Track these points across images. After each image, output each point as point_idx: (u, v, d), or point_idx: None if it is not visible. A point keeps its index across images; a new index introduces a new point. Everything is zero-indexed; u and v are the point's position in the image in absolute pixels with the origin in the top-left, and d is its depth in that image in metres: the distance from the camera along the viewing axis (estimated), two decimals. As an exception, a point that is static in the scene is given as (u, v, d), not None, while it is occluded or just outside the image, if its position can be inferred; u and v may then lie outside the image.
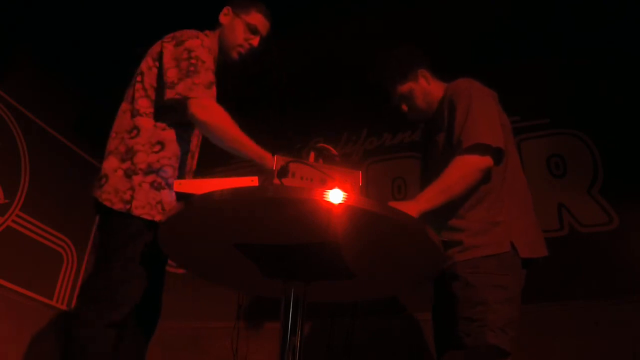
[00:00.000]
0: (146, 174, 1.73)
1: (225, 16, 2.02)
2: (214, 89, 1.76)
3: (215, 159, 3.48)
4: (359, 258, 1.45)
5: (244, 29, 1.98)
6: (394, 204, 1.54)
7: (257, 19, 2.00)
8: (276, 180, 1.33)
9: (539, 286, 2.10)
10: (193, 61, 1.76)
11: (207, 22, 2.57)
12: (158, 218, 1.69)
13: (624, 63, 2.86)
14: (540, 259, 1.72)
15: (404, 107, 1.99)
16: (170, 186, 1.72)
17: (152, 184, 1.72)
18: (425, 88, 1.96)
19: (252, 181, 1.37)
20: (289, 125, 3.59)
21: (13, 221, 3.00)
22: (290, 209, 1.23)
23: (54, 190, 3.30)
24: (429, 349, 2.49)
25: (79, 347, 1.59)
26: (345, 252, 1.40)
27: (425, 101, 1.96)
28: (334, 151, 1.60)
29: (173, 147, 1.80)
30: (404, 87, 1.96)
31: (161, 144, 1.78)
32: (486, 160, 1.69)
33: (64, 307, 3.25)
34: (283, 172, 1.34)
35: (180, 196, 1.33)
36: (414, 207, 1.59)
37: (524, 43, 3.01)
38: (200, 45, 1.81)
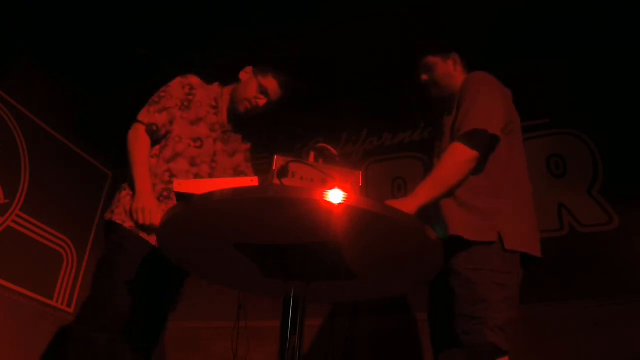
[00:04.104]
0: (131, 189, 1.94)
1: (245, 74, 2.19)
2: (164, 114, 2.01)
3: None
4: (360, 258, 1.45)
5: (256, 88, 2.13)
6: (391, 202, 1.55)
7: (271, 84, 2.14)
8: (276, 180, 1.33)
9: (539, 286, 2.10)
10: (162, 94, 2.05)
11: (207, 20, 2.57)
12: (127, 224, 1.86)
13: (624, 63, 2.87)
14: (535, 258, 1.71)
15: (425, 77, 2.03)
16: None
17: (133, 196, 1.90)
18: (450, 70, 2.02)
19: (252, 181, 1.37)
20: (290, 125, 3.60)
21: (13, 221, 3.00)
22: (291, 208, 1.23)
23: (54, 190, 3.30)
24: (428, 348, 2.49)
25: (70, 349, 1.76)
26: (346, 251, 1.40)
27: (443, 80, 2.01)
28: (334, 151, 1.60)
29: (154, 169, 1.99)
30: (432, 59, 2.02)
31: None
32: (480, 149, 1.72)
33: (64, 307, 3.25)
34: (283, 172, 1.34)
35: (181, 196, 1.33)
36: (411, 203, 1.61)
37: (524, 43, 3.01)
38: (178, 82, 2.09)
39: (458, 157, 1.72)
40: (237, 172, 2.20)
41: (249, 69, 2.19)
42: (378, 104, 3.45)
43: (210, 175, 2.04)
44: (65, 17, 3.03)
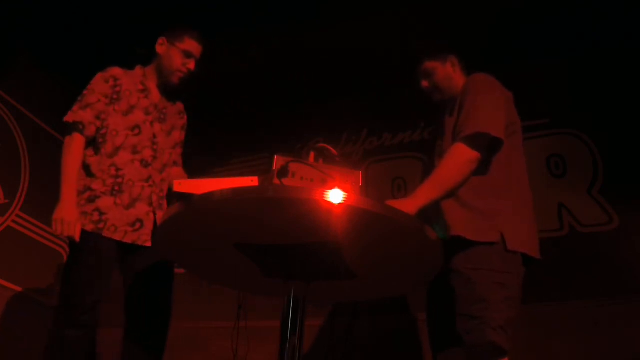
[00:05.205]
0: (83, 193, 1.97)
1: (161, 46, 2.16)
2: (88, 110, 2.01)
3: (214, 159, 3.49)
4: (360, 258, 1.45)
5: (180, 56, 2.13)
6: (391, 203, 1.55)
7: (191, 45, 2.14)
8: (276, 180, 1.33)
9: (540, 286, 2.10)
10: (85, 92, 2.06)
11: (208, 21, 2.57)
12: (88, 228, 1.89)
13: (624, 63, 2.86)
14: (535, 260, 1.71)
15: (425, 83, 2.02)
16: (105, 194, 1.95)
17: (88, 199, 1.95)
18: (449, 72, 2.01)
19: (252, 181, 1.37)
20: (290, 125, 3.60)
21: (13, 221, 3.00)
22: (291, 208, 1.23)
23: (54, 190, 3.28)
24: (429, 348, 2.49)
25: (50, 344, 1.88)
26: (346, 251, 1.40)
27: (444, 83, 2.00)
28: (334, 151, 1.60)
29: (99, 166, 2.00)
30: (431, 63, 2.01)
31: (87, 167, 2.01)
32: (481, 151, 1.71)
33: (64, 307, 3.26)
34: (283, 172, 1.34)
35: (180, 196, 1.33)
36: (411, 203, 1.60)
37: (524, 43, 3.01)
38: (100, 77, 2.09)
39: (459, 158, 1.71)
40: (176, 149, 2.21)
41: (162, 39, 2.16)
42: (378, 104, 3.45)
43: (154, 157, 2.05)
44: (65, 17, 3.03)
